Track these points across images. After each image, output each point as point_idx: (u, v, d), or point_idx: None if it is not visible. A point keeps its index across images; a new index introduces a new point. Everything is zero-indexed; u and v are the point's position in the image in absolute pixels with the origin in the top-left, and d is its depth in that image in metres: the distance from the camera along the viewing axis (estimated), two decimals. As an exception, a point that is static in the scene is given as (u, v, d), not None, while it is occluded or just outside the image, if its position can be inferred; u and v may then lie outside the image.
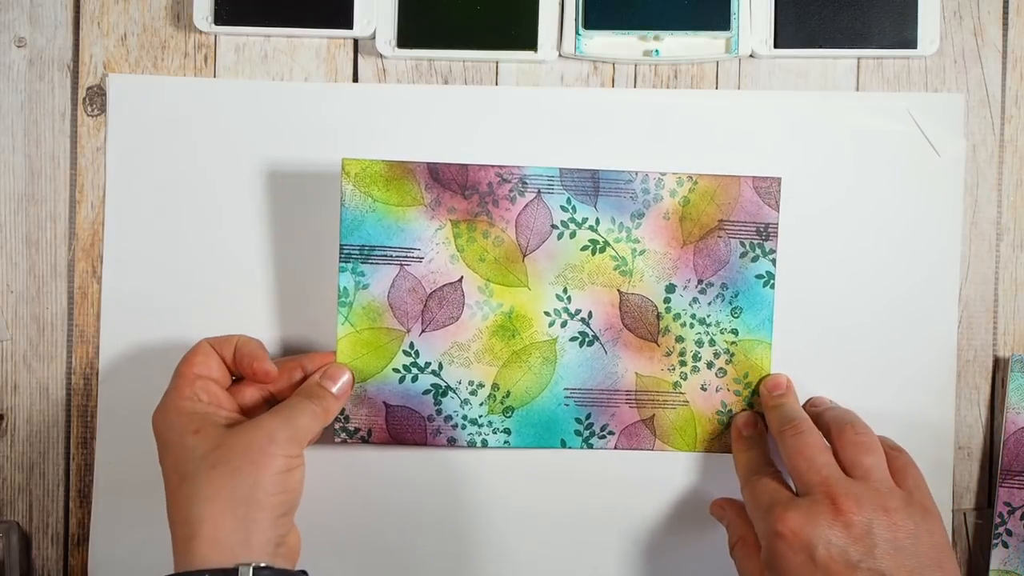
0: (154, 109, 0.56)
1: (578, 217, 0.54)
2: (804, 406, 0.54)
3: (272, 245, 0.56)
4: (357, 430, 0.55)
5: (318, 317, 0.55)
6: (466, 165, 0.54)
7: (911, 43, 0.54)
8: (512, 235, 0.54)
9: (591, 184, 0.54)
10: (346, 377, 0.52)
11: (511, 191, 0.54)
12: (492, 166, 0.54)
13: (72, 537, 0.57)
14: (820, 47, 0.54)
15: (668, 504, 0.56)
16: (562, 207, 0.54)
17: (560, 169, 0.54)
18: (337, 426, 0.55)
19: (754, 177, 0.54)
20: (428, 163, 0.54)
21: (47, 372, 0.56)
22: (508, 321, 0.54)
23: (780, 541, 0.46)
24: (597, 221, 0.54)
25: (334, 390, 0.52)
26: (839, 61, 0.55)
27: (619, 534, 0.56)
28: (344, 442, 0.55)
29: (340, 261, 0.54)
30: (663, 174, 0.54)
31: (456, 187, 0.54)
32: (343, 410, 0.54)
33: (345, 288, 0.54)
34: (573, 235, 0.54)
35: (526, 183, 0.54)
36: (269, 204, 0.55)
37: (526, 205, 0.54)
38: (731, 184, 0.54)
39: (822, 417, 0.51)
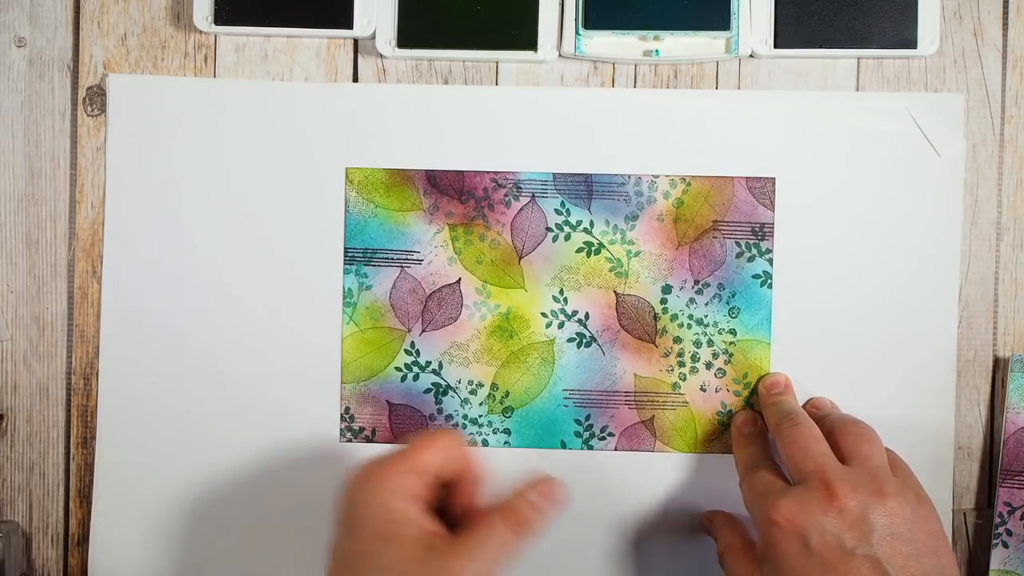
0: (154, 109, 0.57)
1: (572, 220, 0.56)
2: (805, 406, 0.55)
3: (273, 245, 0.57)
4: (362, 429, 0.57)
5: (318, 316, 0.57)
6: (462, 171, 0.56)
7: (911, 43, 0.55)
8: (508, 238, 0.56)
9: (584, 187, 0.56)
10: (560, 492, 0.48)
11: (506, 195, 0.56)
12: (487, 172, 0.56)
13: (72, 537, 0.58)
14: (820, 47, 0.55)
15: (668, 505, 0.57)
16: (556, 210, 0.56)
17: (553, 173, 0.56)
18: (342, 426, 0.57)
19: (748, 177, 0.56)
20: (426, 170, 0.56)
21: (47, 372, 0.58)
22: (505, 322, 0.56)
23: (774, 529, 0.46)
24: (591, 224, 0.56)
25: (546, 509, 0.47)
26: (839, 61, 0.56)
27: (619, 535, 0.57)
28: (349, 441, 0.57)
29: (344, 264, 0.56)
30: (656, 176, 0.56)
31: (453, 192, 0.56)
32: (348, 409, 0.57)
33: (349, 289, 0.56)
34: (568, 237, 0.56)
35: (520, 188, 0.56)
36: (269, 204, 0.57)
37: (521, 209, 0.56)
38: (725, 185, 0.56)
39: (823, 422, 0.52)
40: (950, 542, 0.52)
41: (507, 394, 0.57)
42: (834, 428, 0.51)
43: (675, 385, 0.57)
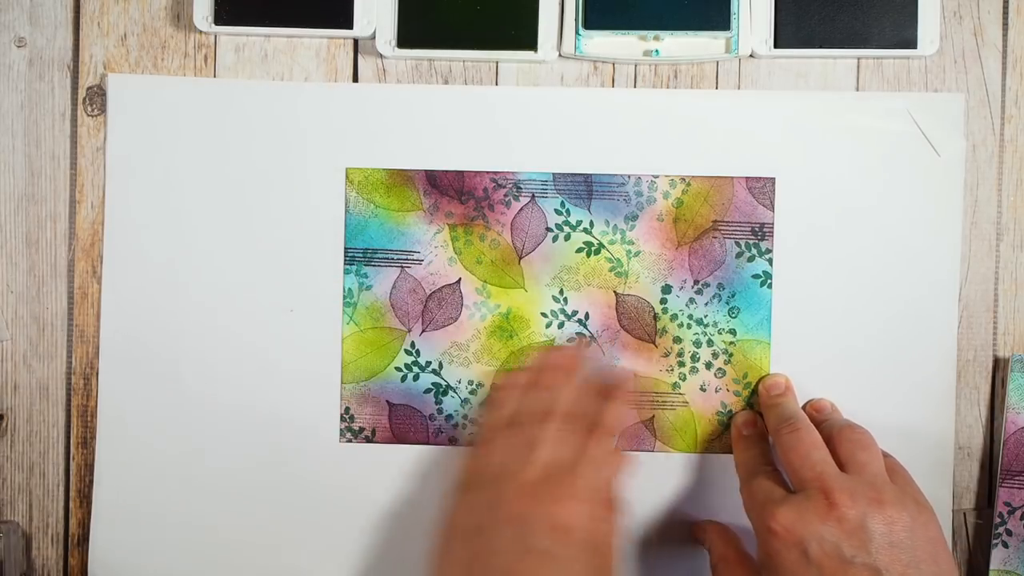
0: (154, 109, 0.57)
1: (572, 220, 0.57)
2: (804, 408, 0.56)
3: (273, 245, 0.57)
4: (362, 429, 0.58)
5: (318, 316, 0.57)
6: (462, 171, 0.57)
7: (911, 43, 0.55)
8: (508, 238, 0.57)
9: (584, 187, 0.57)
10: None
11: (506, 195, 0.57)
12: (487, 172, 0.57)
13: (72, 537, 0.58)
14: (820, 47, 0.55)
15: (668, 505, 0.57)
16: (556, 210, 0.57)
17: (553, 173, 0.57)
18: (342, 426, 0.58)
19: (747, 177, 0.56)
20: (426, 170, 0.57)
21: (47, 372, 0.58)
22: (505, 322, 0.57)
23: (773, 538, 0.47)
24: (591, 224, 0.57)
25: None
26: (839, 61, 0.57)
27: (618, 534, 0.58)
28: (349, 442, 0.58)
29: (344, 264, 0.57)
30: (656, 176, 0.57)
31: (453, 192, 0.57)
32: (348, 409, 0.57)
33: (349, 289, 0.57)
34: (568, 237, 0.57)
35: (520, 188, 0.57)
36: (269, 204, 0.57)
37: (521, 209, 0.57)
38: (724, 185, 0.57)
39: (821, 427, 0.52)
40: (950, 545, 0.53)
41: (507, 394, 0.57)
42: (832, 434, 0.51)
43: (675, 385, 0.57)
